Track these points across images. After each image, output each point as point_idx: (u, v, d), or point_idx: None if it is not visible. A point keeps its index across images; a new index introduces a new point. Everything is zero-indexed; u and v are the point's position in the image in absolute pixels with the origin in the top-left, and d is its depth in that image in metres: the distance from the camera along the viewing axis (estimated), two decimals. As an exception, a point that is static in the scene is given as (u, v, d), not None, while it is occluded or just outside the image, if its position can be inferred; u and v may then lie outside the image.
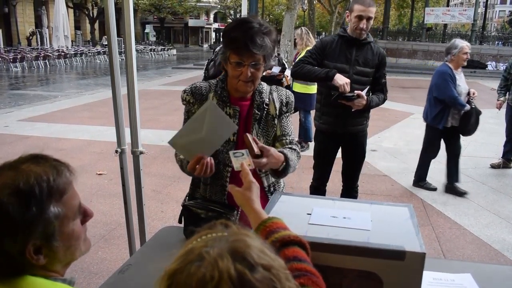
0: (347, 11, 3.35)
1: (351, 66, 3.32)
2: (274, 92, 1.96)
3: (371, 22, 3.24)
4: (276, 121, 1.94)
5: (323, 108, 3.51)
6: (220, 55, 1.78)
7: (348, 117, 3.41)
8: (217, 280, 0.64)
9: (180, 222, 1.99)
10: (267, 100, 1.91)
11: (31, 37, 33.29)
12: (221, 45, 6.19)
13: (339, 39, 3.40)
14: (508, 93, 5.98)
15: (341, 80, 3.16)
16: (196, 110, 1.81)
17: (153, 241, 1.92)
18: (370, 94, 3.43)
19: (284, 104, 1.96)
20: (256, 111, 1.89)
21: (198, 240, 0.75)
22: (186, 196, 2.09)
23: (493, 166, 6.10)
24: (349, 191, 3.74)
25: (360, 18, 3.18)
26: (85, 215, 1.06)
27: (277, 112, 1.93)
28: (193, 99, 1.88)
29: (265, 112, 1.90)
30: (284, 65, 6.96)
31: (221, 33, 1.78)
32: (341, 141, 3.58)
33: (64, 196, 0.97)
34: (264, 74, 5.90)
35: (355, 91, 3.21)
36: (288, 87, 6.37)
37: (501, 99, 6.04)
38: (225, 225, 0.79)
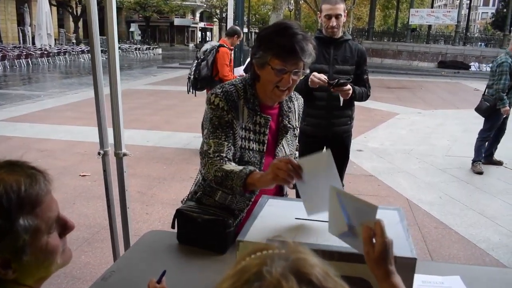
0: (318, 12, 3.36)
1: (331, 65, 3.32)
2: (295, 101, 1.91)
3: (342, 19, 3.24)
4: (296, 132, 1.90)
5: (307, 110, 3.49)
6: (256, 59, 1.66)
7: (332, 118, 3.42)
8: None
9: (173, 227, 1.86)
10: (287, 107, 1.86)
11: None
12: (213, 46, 6.15)
13: (315, 40, 3.38)
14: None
15: (316, 79, 3.12)
16: (230, 118, 1.68)
17: (137, 246, 1.87)
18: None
19: (300, 115, 1.93)
20: (285, 121, 1.82)
21: (252, 256, 0.66)
22: (184, 201, 1.96)
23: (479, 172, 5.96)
24: None
25: (329, 17, 3.21)
26: (65, 228, 0.98)
27: (297, 123, 1.90)
28: (227, 106, 1.68)
29: (289, 122, 1.85)
30: None
31: (259, 37, 1.67)
32: (325, 142, 3.56)
33: (37, 208, 0.89)
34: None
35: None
36: None
37: (507, 106, 5.60)
38: (282, 242, 0.69)
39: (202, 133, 1.79)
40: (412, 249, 1.17)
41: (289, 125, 1.83)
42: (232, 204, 1.80)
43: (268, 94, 1.71)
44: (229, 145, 1.68)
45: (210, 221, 1.75)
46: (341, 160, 3.66)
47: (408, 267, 1.14)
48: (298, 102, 1.93)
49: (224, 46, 5.97)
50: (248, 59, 6.10)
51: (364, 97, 3.42)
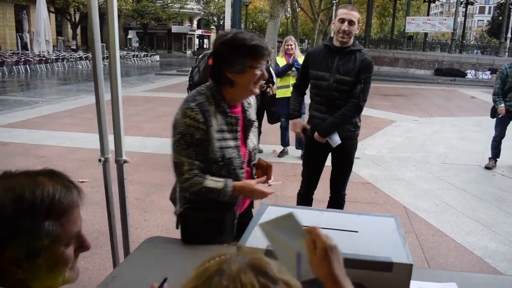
0: (333, 19, 3.41)
1: (331, 74, 3.34)
2: (251, 97, 2.09)
3: (354, 27, 3.26)
4: (256, 123, 2.12)
5: (311, 113, 3.58)
6: (233, 68, 1.82)
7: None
8: None
9: (177, 227, 2.02)
10: (247, 104, 2.06)
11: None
12: (205, 53, 6.26)
13: (324, 48, 3.47)
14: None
15: (292, 128, 3.66)
16: (202, 133, 1.82)
17: (137, 252, 1.89)
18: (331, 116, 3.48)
19: (255, 108, 2.15)
20: (248, 116, 2.03)
21: (211, 261, 0.72)
22: (184, 204, 2.02)
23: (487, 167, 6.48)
24: (336, 199, 3.75)
25: (342, 21, 3.23)
26: (81, 246, 1.02)
27: (255, 116, 2.12)
28: (203, 118, 1.81)
29: (251, 116, 2.07)
30: (271, 73, 6.98)
31: (232, 48, 1.82)
32: (330, 148, 3.58)
33: (64, 217, 0.94)
34: None
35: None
36: (273, 96, 6.39)
37: (502, 105, 6.18)
38: (237, 248, 0.78)
39: (172, 136, 1.88)
40: (408, 255, 1.20)
41: (252, 119, 2.06)
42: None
43: (245, 93, 1.94)
44: (199, 161, 1.86)
45: (213, 217, 1.95)
46: (345, 168, 3.68)
47: (404, 272, 1.17)
48: (252, 97, 2.12)
49: None
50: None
51: (346, 118, 3.41)
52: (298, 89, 3.75)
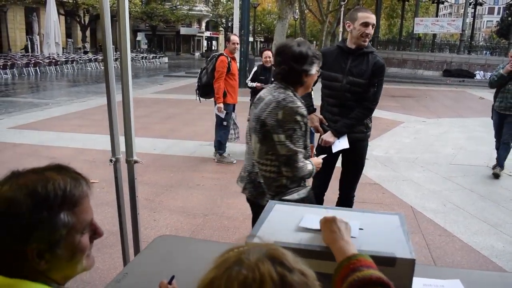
0: (347, 21, 3.37)
1: (344, 75, 3.36)
2: None
3: (373, 30, 3.32)
4: None
5: (323, 114, 3.58)
6: (309, 71, 2.34)
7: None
8: (259, 282, 0.68)
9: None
10: None
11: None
12: (213, 55, 6.50)
13: (336, 49, 3.50)
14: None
15: (311, 123, 3.45)
16: (305, 126, 2.34)
17: (148, 250, 1.94)
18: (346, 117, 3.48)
19: None
20: None
21: (230, 253, 0.77)
22: (280, 191, 2.39)
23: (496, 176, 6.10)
24: (345, 200, 3.75)
25: (366, 24, 3.25)
26: (95, 233, 1.07)
27: None
28: (305, 113, 2.32)
29: None
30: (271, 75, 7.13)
31: (309, 57, 2.32)
32: (341, 149, 3.60)
33: (76, 207, 0.99)
34: (255, 86, 6.17)
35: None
36: None
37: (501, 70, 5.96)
38: (257, 240, 0.84)
39: (278, 133, 2.28)
40: (411, 251, 1.24)
41: None
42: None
43: (305, 91, 2.46)
44: (304, 150, 2.37)
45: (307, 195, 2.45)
46: (355, 169, 3.70)
47: (407, 267, 1.20)
48: None
49: (223, 55, 6.24)
50: (255, 70, 6.50)
51: (360, 120, 3.47)
52: None
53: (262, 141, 2.33)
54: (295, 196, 2.38)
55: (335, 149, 3.47)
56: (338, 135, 3.45)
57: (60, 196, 0.96)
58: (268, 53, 7.20)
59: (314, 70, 2.35)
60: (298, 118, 2.26)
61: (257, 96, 2.47)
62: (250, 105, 7.26)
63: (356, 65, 3.35)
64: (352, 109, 3.41)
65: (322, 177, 3.74)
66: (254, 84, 6.93)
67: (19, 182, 0.96)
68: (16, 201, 0.93)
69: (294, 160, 2.28)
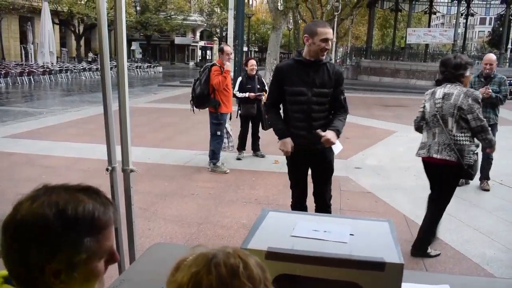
0: (306, 35, 3.37)
1: (309, 88, 3.39)
2: None
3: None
4: None
5: (289, 126, 3.57)
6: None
7: (312, 133, 3.42)
8: (244, 263, 0.86)
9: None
10: None
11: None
12: (206, 66, 6.68)
13: (295, 63, 3.50)
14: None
15: (283, 147, 3.51)
16: None
17: (144, 258, 1.96)
18: (334, 119, 3.52)
19: None
20: None
21: (195, 256, 0.92)
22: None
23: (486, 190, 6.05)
24: (322, 205, 3.75)
25: (326, 40, 3.31)
26: (111, 258, 1.08)
27: None
28: None
29: None
30: (263, 83, 7.28)
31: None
32: (309, 158, 3.62)
33: (100, 234, 1.01)
34: (247, 96, 6.30)
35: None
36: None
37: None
38: (222, 247, 0.94)
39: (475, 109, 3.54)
40: (400, 256, 1.28)
41: None
42: None
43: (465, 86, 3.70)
44: None
45: None
46: (326, 175, 3.72)
47: (396, 272, 1.25)
48: None
49: (216, 65, 6.35)
50: (240, 80, 6.67)
51: (344, 122, 3.56)
52: (275, 106, 3.66)
53: (458, 120, 3.59)
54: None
55: (336, 150, 3.52)
56: (339, 136, 3.45)
57: (88, 221, 0.98)
58: (253, 62, 7.30)
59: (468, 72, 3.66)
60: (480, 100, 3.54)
61: (443, 92, 3.85)
62: (237, 116, 7.35)
63: (319, 76, 3.41)
64: (319, 120, 3.45)
65: (298, 186, 3.76)
66: (246, 94, 6.99)
67: (51, 199, 0.97)
68: (46, 219, 0.94)
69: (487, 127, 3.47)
